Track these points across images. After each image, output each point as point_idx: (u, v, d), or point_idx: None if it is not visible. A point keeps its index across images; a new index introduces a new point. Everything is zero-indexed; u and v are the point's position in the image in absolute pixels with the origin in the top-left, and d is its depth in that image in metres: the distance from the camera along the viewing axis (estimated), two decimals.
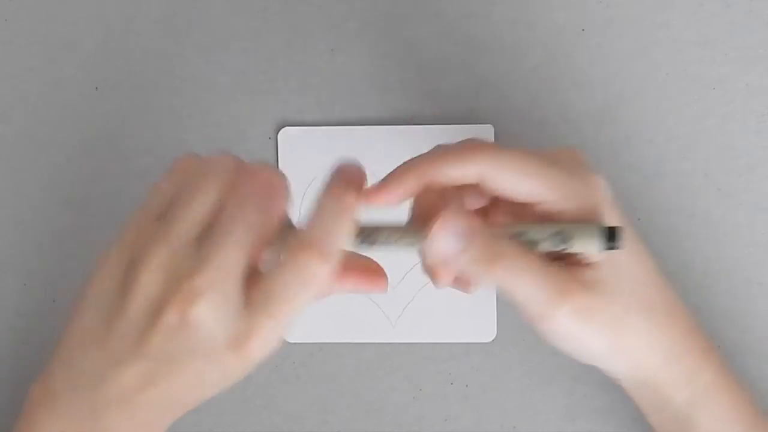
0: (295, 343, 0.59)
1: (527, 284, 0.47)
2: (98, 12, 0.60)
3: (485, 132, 0.59)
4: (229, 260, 0.46)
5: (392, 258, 0.59)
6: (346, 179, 0.48)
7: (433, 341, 0.59)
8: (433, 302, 0.59)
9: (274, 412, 0.60)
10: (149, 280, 0.47)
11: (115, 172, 0.60)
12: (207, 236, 0.46)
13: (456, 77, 0.59)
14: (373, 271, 0.51)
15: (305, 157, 0.59)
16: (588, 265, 0.48)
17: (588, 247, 0.46)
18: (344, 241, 0.47)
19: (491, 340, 0.59)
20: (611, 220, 0.47)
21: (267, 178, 0.47)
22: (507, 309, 0.59)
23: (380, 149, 0.59)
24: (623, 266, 0.49)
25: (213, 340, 0.47)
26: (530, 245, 0.47)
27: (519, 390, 0.59)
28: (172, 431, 0.60)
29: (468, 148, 0.48)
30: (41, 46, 0.60)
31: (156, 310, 0.47)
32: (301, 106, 0.59)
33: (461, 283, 0.51)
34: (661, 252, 0.58)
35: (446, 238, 0.48)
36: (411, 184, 0.48)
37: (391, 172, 0.49)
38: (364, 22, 0.59)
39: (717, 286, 0.58)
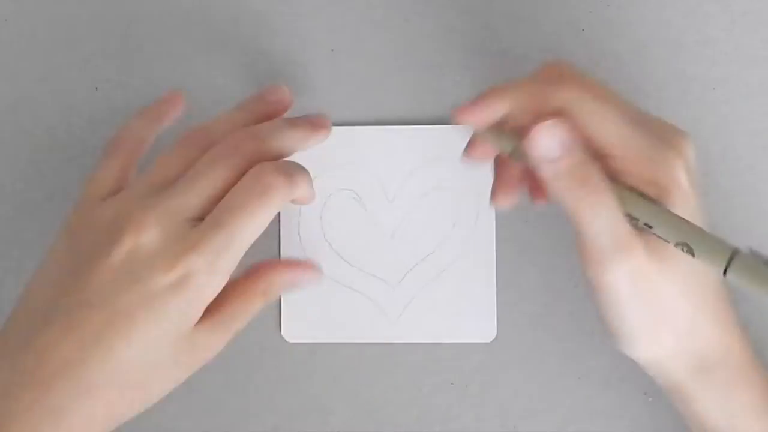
0: (295, 343, 0.59)
1: (600, 222, 0.46)
2: (98, 12, 0.60)
3: None
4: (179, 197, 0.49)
5: (393, 258, 0.59)
6: (311, 122, 0.53)
7: (433, 341, 0.59)
8: (433, 302, 0.59)
9: (274, 412, 0.60)
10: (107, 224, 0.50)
11: None
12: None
13: (456, 77, 0.59)
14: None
15: (306, 157, 0.59)
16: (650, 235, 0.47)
17: (711, 264, 0.44)
18: (297, 142, 0.52)
19: (491, 340, 0.59)
20: (676, 207, 0.46)
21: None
22: (507, 310, 0.59)
23: (380, 150, 0.59)
24: (684, 259, 0.47)
25: (154, 260, 0.48)
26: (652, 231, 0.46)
27: (519, 390, 0.59)
28: (172, 431, 0.60)
29: (558, 79, 0.48)
30: (41, 46, 0.60)
31: (109, 243, 0.49)
32: (302, 107, 0.59)
33: (536, 192, 0.51)
34: None
35: (549, 139, 0.47)
36: (502, 105, 0.48)
37: (482, 93, 0.49)
38: (364, 22, 0.59)
39: None
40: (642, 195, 0.47)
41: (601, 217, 0.46)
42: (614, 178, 0.47)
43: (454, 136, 0.58)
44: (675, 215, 0.46)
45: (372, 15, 0.59)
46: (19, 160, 0.60)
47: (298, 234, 0.59)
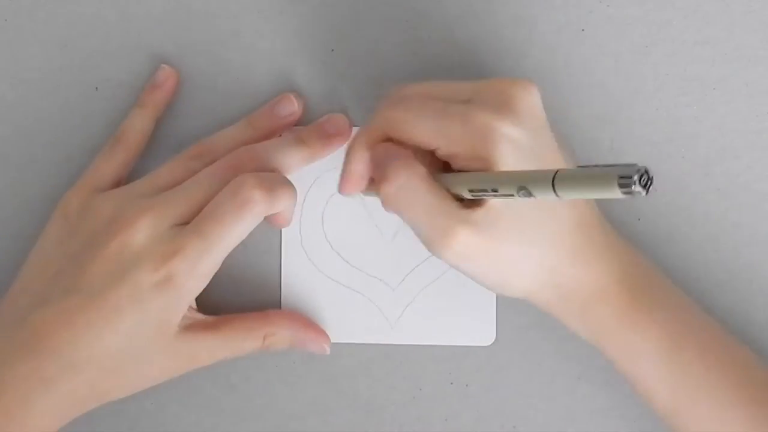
0: None
1: (420, 225, 0.51)
2: (98, 12, 0.60)
3: None
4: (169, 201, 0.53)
5: (393, 260, 0.59)
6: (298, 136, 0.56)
7: (432, 344, 0.59)
8: (432, 304, 0.59)
9: (274, 412, 0.60)
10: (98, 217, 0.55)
11: None
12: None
13: (456, 77, 0.59)
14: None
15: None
16: (481, 206, 0.49)
17: (547, 195, 0.44)
18: (288, 165, 0.55)
19: (490, 343, 0.59)
20: (505, 166, 0.48)
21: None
22: (507, 312, 0.59)
23: None
24: (525, 213, 0.50)
25: (142, 259, 0.52)
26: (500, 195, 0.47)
27: (519, 390, 0.59)
28: (172, 431, 0.60)
29: (376, 111, 0.52)
30: (41, 46, 0.60)
31: (106, 236, 0.53)
32: (303, 107, 0.59)
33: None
34: (662, 252, 0.59)
35: (358, 163, 0.53)
36: (362, 163, 0.53)
37: (346, 163, 0.53)
38: (364, 22, 0.59)
39: (717, 286, 0.58)
40: (469, 172, 0.49)
41: (410, 210, 0.50)
42: (447, 165, 0.51)
43: None
44: (497, 173, 0.48)
45: (372, 15, 0.59)
46: (19, 160, 0.60)
47: (299, 234, 0.59)
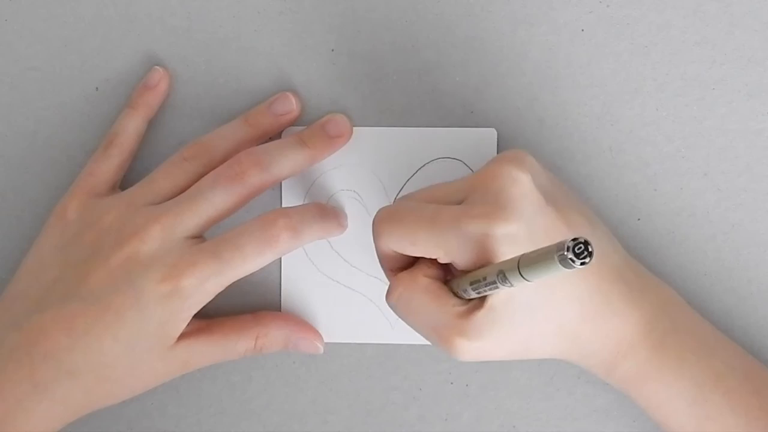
0: None
1: (414, 322, 0.51)
2: (98, 12, 0.60)
3: (487, 136, 0.58)
4: (186, 214, 0.53)
5: None
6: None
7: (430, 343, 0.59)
8: None
9: (274, 412, 0.60)
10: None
11: None
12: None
13: (456, 77, 0.59)
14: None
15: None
16: (482, 307, 0.49)
17: (521, 282, 0.45)
18: (314, 232, 0.54)
19: None
20: (504, 256, 0.48)
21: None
22: None
23: (382, 150, 0.59)
24: (530, 298, 0.49)
25: (150, 270, 0.52)
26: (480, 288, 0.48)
27: (519, 390, 0.59)
28: (172, 431, 0.60)
29: (373, 232, 0.52)
30: (41, 46, 0.60)
31: (110, 247, 0.53)
32: (302, 107, 0.59)
33: None
34: (661, 252, 0.59)
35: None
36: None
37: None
38: (364, 22, 0.59)
39: (717, 286, 0.58)
40: (471, 272, 0.49)
41: (413, 320, 0.51)
42: (454, 266, 0.50)
43: (456, 138, 0.58)
44: (479, 271, 0.48)
45: (372, 15, 0.59)
46: (19, 160, 0.60)
47: None
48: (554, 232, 0.49)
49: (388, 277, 0.53)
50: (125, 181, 0.59)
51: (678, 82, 0.59)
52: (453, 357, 0.50)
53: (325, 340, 0.59)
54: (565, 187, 0.53)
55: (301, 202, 0.59)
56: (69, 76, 0.60)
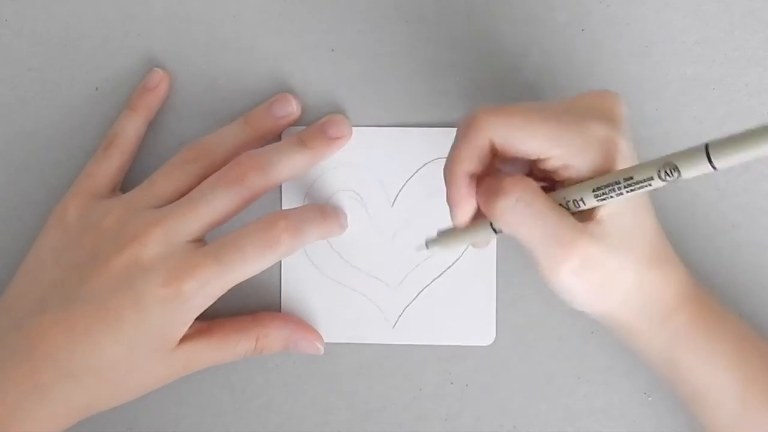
0: None
1: (530, 228, 0.48)
2: (98, 12, 0.60)
3: None
4: (185, 218, 0.53)
5: (393, 260, 0.59)
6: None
7: (432, 343, 0.59)
8: (432, 304, 0.59)
9: (274, 412, 0.60)
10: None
11: None
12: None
13: (456, 77, 0.59)
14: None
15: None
16: (592, 219, 0.48)
17: (695, 170, 0.45)
18: (314, 233, 0.55)
19: (490, 343, 0.59)
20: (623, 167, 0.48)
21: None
22: (507, 312, 0.59)
23: (382, 150, 0.59)
24: (626, 221, 0.49)
25: (151, 273, 0.52)
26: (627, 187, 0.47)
27: (519, 390, 0.59)
28: (172, 431, 0.60)
29: (470, 125, 0.49)
30: (41, 46, 0.60)
31: (111, 251, 0.53)
32: (302, 107, 0.59)
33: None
34: None
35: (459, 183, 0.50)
36: (464, 194, 0.50)
37: (447, 197, 0.51)
38: (364, 22, 0.59)
39: (717, 286, 0.58)
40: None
41: (528, 225, 0.48)
42: (561, 173, 0.49)
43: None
44: (635, 166, 0.47)
45: (372, 15, 0.59)
46: (19, 160, 0.60)
47: None
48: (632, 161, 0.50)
49: (452, 187, 0.50)
50: (126, 182, 0.59)
51: (678, 82, 0.59)
52: (560, 267, 0.48)
53: (325, 340, 0.59)
54: None
55: (300, 203, 0.59)
56: (69, 76, 0.60)
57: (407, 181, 0.59)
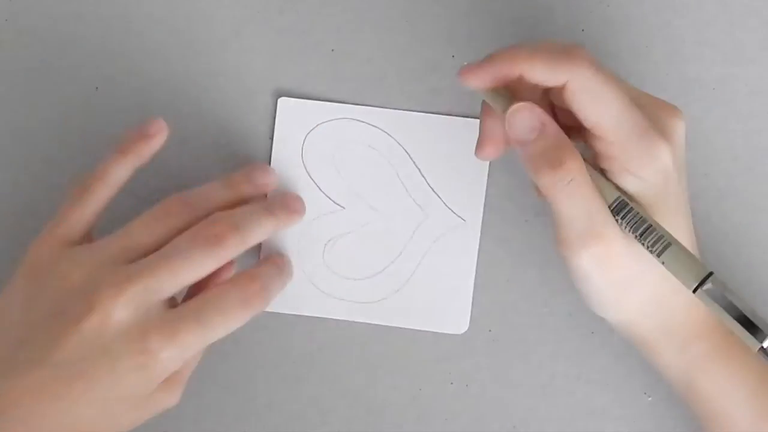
0: (298, 351, 0.59)
1: (572, 209, 0.48)
2: (98, 12, 0.60)
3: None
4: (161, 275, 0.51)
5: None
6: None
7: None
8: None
9: (274, 412, 0.60)
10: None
11: None
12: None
13: (456, 77, 0.59)
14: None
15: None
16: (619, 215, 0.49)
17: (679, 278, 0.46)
18: (278, 291, 0.55)
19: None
20: (656, 205, 0.48)
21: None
22: (507, 312, 0.59)
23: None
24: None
25: (126, 336, 0.49)
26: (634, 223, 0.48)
27: (519, 390, 0.59)
28: (172, 431, 0.60)
29: (566, 55, 0.48)
30: (41, 46, 0.60)
31: (81, 311, 0.50)
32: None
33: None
34: None
35: (522, 121, 0.49)
36: (502, 73, 0.49)
37: (487, 58, 0.49)
38: (364, 22, 0.59)
39: None
40: (619, 189, 0.49)
41: (573, 204, 0.48)
42: (599, 160, 0.49)
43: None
44: (648, 221, 0.48)
45: (372, 15, 0.59)
46: (19, 159, 0.60)
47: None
48: (682, 194, 0.50)
49: (497, 65, 0.48)
50: (135, 188, 0.58)
51: (678, 82, 0.59)
52: (584, 249, 0.48)
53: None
54: None
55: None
56: (69, 76, 0.60)
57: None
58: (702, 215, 0.59)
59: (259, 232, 0.54)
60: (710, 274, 0.46)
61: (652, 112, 0.49)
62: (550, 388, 0.59)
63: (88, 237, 0.54)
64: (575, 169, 0.48)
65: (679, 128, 0.49)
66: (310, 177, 0.59)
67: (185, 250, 0.51)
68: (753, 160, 0.59)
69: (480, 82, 0.49)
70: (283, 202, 0.57)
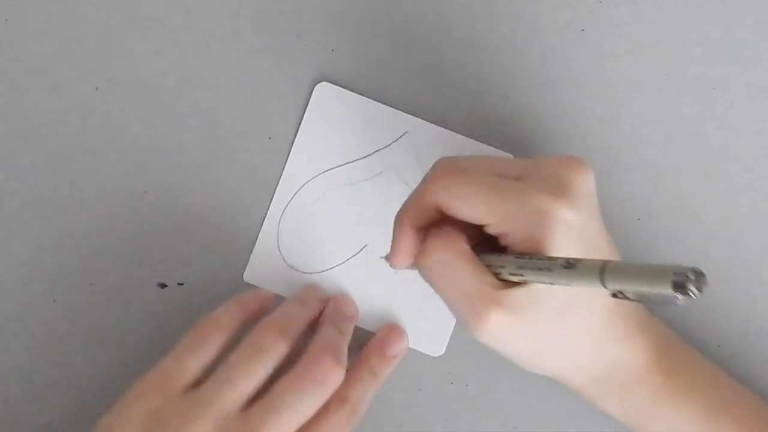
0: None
1: (450, 296, 0.49)
2: (98, 12, 0.60)
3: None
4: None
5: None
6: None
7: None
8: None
9: None
10: None
11: (115, 172, 0.60)
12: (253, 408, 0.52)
13: (456, 77, 0.59)
14: None
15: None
16: (523, 285, 0.48)
17: (593, 285, 0.44)
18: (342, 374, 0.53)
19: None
20: (558, 250, 0.47)
21: (319, 365, 0.53)
22: None
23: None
24: (566, 294, 0.48)
25: None
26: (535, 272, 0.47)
27: (519, 390, 0.59)
28: None
29: (425, 181, 0.50)
30: (41, 46, 0.60)
31: None
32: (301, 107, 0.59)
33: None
34: (662, 252, 0.59)
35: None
36: (408, 240, 0.51)
37: (396, 235, 0.52)
38: (364, 22, 0.59)
39: (717, 286, 0.58)
40: (514, 253, 0.49)
41: (452, 299, 0.49)
42: (502, 240, 0.49)
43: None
44: (543, 259, 0.47)
45: (372, 15, 0.59)
46: (19, 160, 0.60)
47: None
48: (598, 242, 0.49)
49: (395, 236, 0.51)
50: (136, 188, 0.59)
51: (678, 82, 0.59)
52: (475, 332, 0.48)
53: None
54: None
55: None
56: (69, 76, 0.60)
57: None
58: (702, 215, 0.59)
59: (297, 334, 0.54)
60: (606, 263, 0.44)
61: (549, 173, 0.48)
62: (550, 388, 0.59)
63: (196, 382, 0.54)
64: (436, 251, 0.49)
65: (580, 179, 0.48)
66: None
67: (243, 366, 0.52)
68: (753, 160, 0.59)
69: (407, 261, 0.51)
70: (342, 315, 0.58)
